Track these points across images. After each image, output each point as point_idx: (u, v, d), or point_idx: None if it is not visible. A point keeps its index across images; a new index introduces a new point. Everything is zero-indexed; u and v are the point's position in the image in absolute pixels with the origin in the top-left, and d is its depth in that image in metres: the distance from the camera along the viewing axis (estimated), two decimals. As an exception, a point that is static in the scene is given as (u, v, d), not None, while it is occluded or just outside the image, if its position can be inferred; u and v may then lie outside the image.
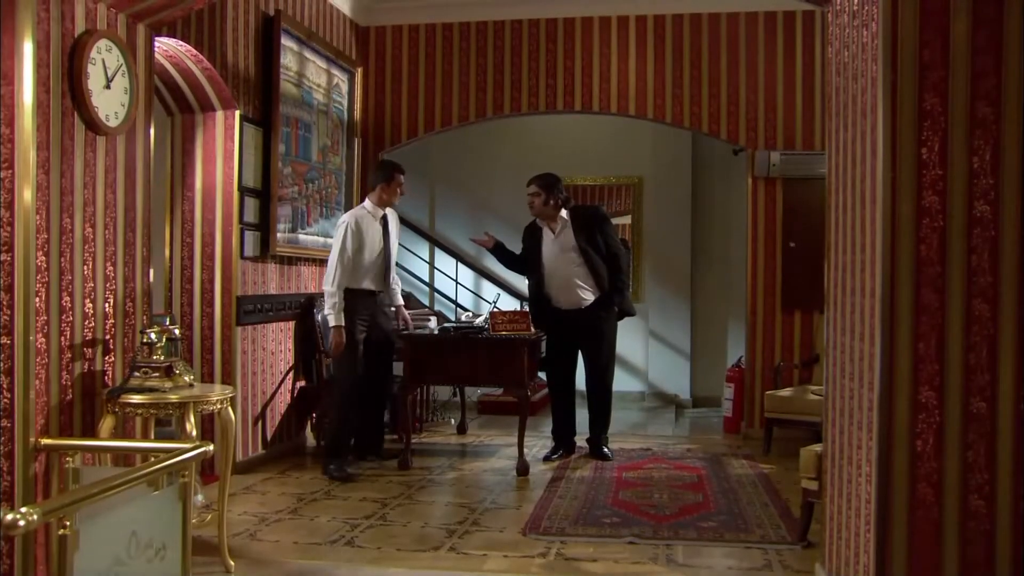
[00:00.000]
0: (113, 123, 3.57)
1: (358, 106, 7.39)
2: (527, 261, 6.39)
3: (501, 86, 7.41)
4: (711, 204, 9.29)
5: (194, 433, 3.41)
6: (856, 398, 3.09)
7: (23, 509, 2.15)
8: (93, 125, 3.45)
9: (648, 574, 3.83)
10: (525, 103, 7.39)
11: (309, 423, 6.69)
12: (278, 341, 6.22)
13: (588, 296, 6.14)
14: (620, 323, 6.42)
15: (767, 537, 4.32)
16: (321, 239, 6.78)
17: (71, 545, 2.31)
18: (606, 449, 6.23)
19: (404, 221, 9.91)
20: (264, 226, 5.93)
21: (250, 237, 5.78)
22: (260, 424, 6.00)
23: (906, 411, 2.74)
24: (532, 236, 6.39)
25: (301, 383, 6.54)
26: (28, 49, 3.08)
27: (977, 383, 2.69)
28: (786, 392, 6.46)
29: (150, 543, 2.79)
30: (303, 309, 6.51)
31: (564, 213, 6.21)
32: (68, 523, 2.31)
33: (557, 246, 6.19)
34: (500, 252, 6.54)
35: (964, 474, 2.71)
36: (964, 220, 2.69)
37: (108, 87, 3.52)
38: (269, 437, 6.09)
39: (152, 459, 2.94)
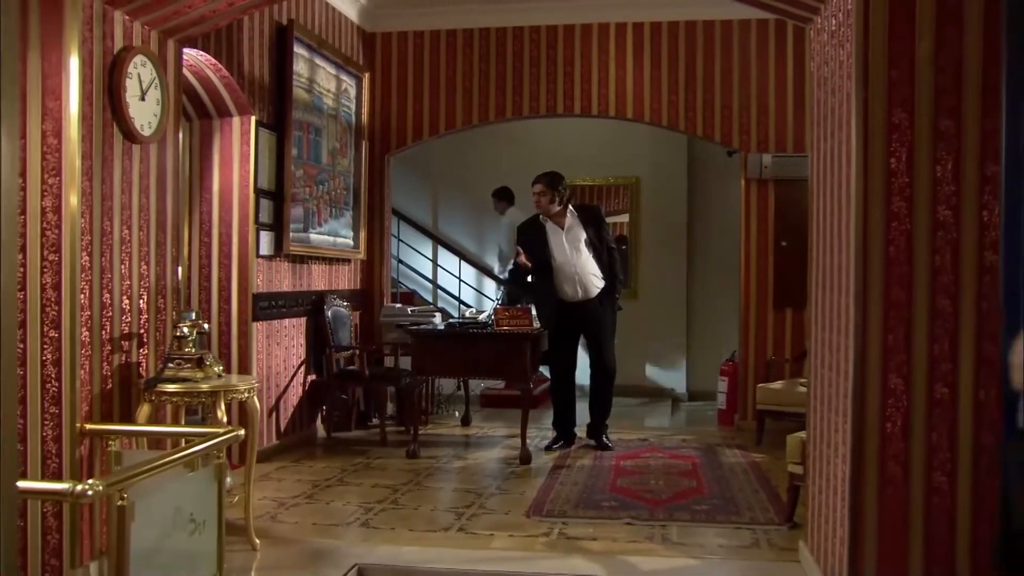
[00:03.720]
0: (147, 132, 3.84)
1: (365, 110, 7.66)
2: (533, 257, 6.46)
3: (503, 90, 7.68)
4: (706, 204, 9.57)
5: (225, 419, 3.69)
6: (834, 387, 3.37)
7: (90, 481, 2.43)
8: (130, 135, 3.72)
9: (644, 551, 4.11)
10: (527, 107, 7.67)
11: (320, 415, 6.97)
12: (291, 336, 6.49)
13: (599, 285, 6.44)
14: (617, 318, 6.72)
15: (756, 519, 4.60)
16: (330, 238, 7.06)
17: (128, 515, 2.59)
18: (606, 439, 6.50)
19: (408, 220, 10.25)
20: (278, 226, 6.21)
21: (265, 237, 6.06)
22: (274, 415, 6.28)
23: (877, 397, 3.02)
24: (533, 232, 6.55)
25: (312, 377, 6.82)
26: (74, 66, 3.35)
27: (940, 371, 2.97)
28: (777, 385, 6.74)
29: (191, 518, 3.08)
30: (314, 305, 6.79)
31: (571, 208, 6.54)
32: (125, 496, 2.59)
33: (569, 241, 6.44)
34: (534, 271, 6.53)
35: (928, 454, 2.99)
36: (928, 224, 2.97)
37: (143, 99, 3.80)
38: (283, 428, 6.37)
39: (184, 443, 3.21)
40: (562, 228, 6.49)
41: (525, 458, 6.01)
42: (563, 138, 9.50)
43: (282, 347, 6.36)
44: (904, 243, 2.99)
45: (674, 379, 9.55)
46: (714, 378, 8.33)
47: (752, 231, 7.40)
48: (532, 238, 6.54)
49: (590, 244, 6.44)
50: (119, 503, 2.57)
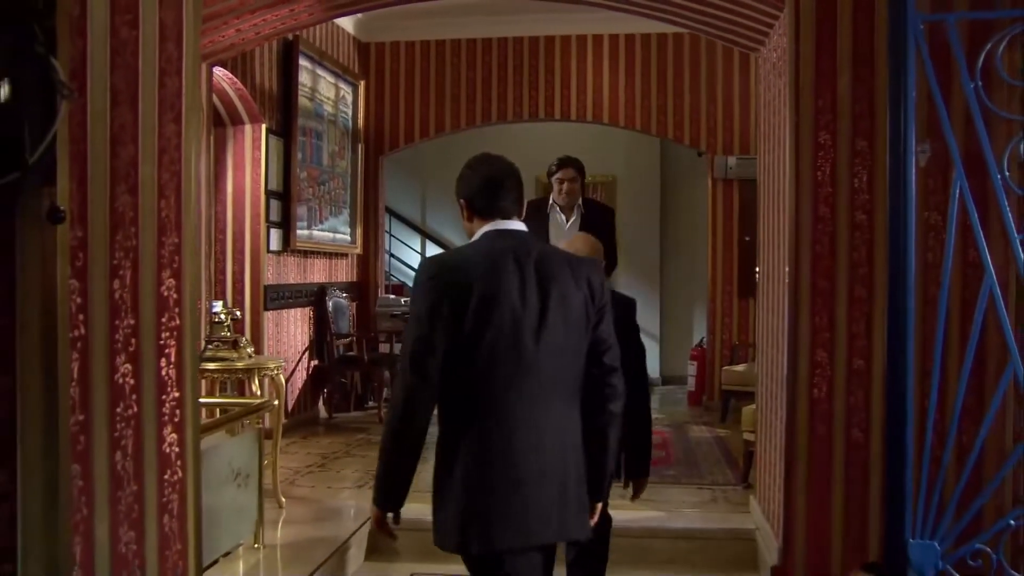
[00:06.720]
0: (187, 145, 4.42)
1: (361, 115, 8.24)
2: None
3: (489, 97, 8.28)
4: (677, 201, 10.22)
5: (259, 392, 4.29)
6: (774, 361, 4.02)
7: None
8: (174, 148, 4.30)
9: (618, 507, 4.72)
10: (511, 112, 8.28)
11: (322, 398, 7.57)
12: (296, 324, 7.09)
13: None
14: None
15: (716, 481, 5.27)
16: (330, 235, 7.65)
17: (202, 460, 3.19)
18: None
19: (399, 217, 10.84)
20: (286, 224, 6.80)
21: (274, 234, 6.65)
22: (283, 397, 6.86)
23: (806, 368, 3.66)
24: (539, 214, 5.77)
25: (315, 362, 7.41)
26: (132, 91, 3.94)
27: (858, 346, 3.62)
28: (740, 368, 7.40)
29: (239, 471, 3.69)
30: (316, 297, 7.38)
31: (580, 203, 5.69)
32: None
33: (569, 235, 5.44)
34: None
35: (848, 414, 3.63)
36: (848, 225, 3.61)
37: (183, 117, 4.38)
38: (290, 409, 6.96)
39: (219, 412, 3.81)
40: (567, 220, 5.78)
41: (512, 434, 6.61)
42: (545, 140, 10.04)
43: (288, 335, 6.95)
44: (828, 242, 3.63)
45: (648, 365, 10.17)
46: (685, 363, 8.99)
47: (718, 227, 8.06)
48: (535, 220, 5.67)
49: None
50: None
